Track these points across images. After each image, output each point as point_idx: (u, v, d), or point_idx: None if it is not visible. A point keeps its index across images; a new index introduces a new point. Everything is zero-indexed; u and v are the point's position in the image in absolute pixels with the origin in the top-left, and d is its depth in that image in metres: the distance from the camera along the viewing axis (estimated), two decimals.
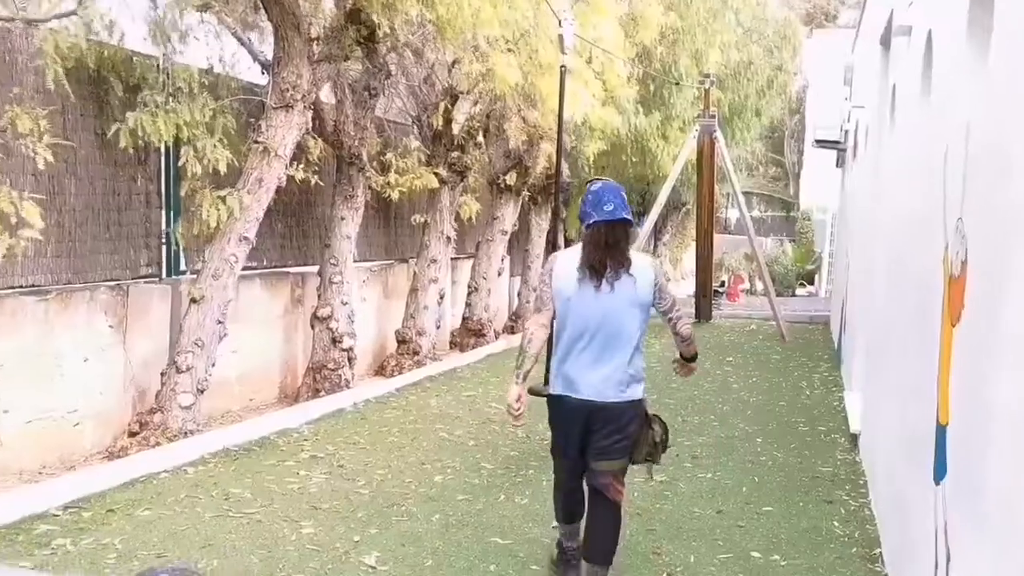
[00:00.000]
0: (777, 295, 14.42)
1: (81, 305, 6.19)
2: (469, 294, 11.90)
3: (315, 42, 6.80)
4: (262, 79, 7.75)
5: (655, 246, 22.18)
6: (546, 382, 4.54)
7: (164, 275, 7.10)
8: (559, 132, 6.94)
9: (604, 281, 3.82)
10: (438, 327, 10.57)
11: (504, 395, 7.91)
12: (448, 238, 10.35)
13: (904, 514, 3.94)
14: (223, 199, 6.28)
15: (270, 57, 7.20)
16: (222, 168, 6.29)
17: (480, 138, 10.74)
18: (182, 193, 6.60)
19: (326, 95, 8.41)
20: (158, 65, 6.43)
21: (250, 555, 4.33)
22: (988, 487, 2.44)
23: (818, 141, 14.76)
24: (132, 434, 6.18)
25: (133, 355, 6.65)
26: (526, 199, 12.74)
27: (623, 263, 3.84)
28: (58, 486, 5.18)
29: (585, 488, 4.03)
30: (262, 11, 7.00)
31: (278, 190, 7.12)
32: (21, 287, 5.82)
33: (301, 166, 7.28)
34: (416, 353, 9.84)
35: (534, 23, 8.72)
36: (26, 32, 5.58)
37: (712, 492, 5.55)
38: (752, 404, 8.26)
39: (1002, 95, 2.56)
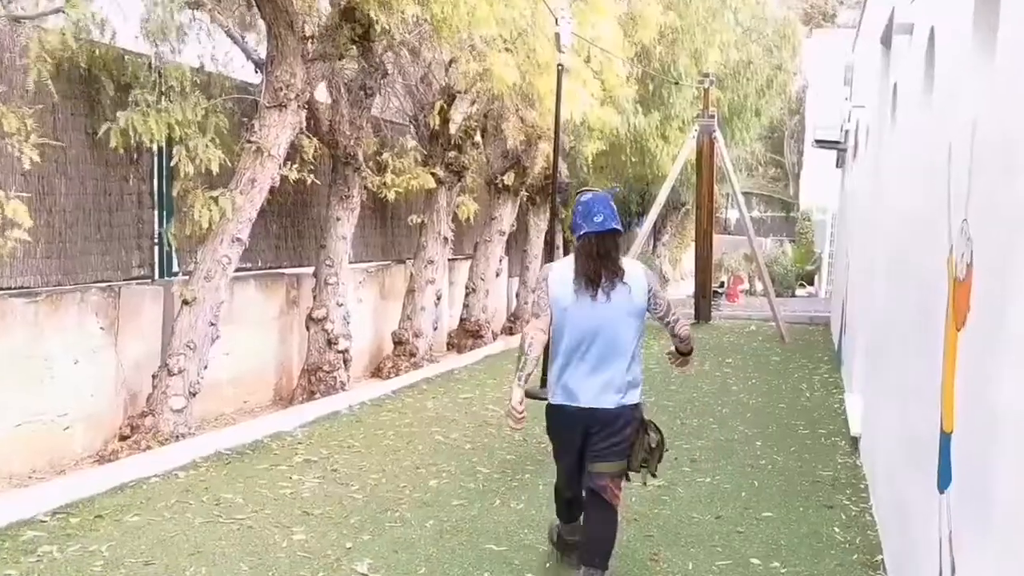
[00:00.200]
0: (777, 296, 14.33)
1: (72, 307, 6.11)
2: (467, 295, 11.83)
3: (309, 40, 6.72)
4: (256, 78, 7.67)
5: (654, 246, 22.10)
6: (543, 385, 4.54)
7: (157, 276, 7.03)
8: (556, 131, 6.87)
9: (600, 291, 3.89)
10: (435, 328, 10.49)
11: (502, 397, 7.96)
12: (445, 239, 10.27)
13: (906, 521, 3.86)
14: (215, 200, 6.20)
15: (264, 56, 7.12)
16: (214, 168, 6.21)
17: (478, 138, 10.67)
18: (174, 193, 6.51)
19: (322, 94, 8.33)
20: (149, 64, 6.35)
21: (239, 562, 4.25)
22: (995, 497, 2.36)
23: (818, 141, 14.67)
24: (123, 438, 6.11)
25: (125, 357, 6.57)
26: (524, 199, 12.67)
27: (616, 273, 3.91)
28: (46, 491, 5.11)
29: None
30: (256, 10, 6.91)
31: (273, 190, 7.05)
32: (10, 289, 5.74)
33: (295, 166, 7.21)
34: (413, 355, 9.76)
35: (531, 22, 8.65)
36: (12, 30, 5.50)
37: (711, 497, 5.47)
38: (751, 406, 8.18)
39: (1008, 92, 2.49)
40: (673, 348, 4.38)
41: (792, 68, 17.90)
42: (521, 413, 3.96)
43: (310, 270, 8.61)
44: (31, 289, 5.87)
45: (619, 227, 3.99)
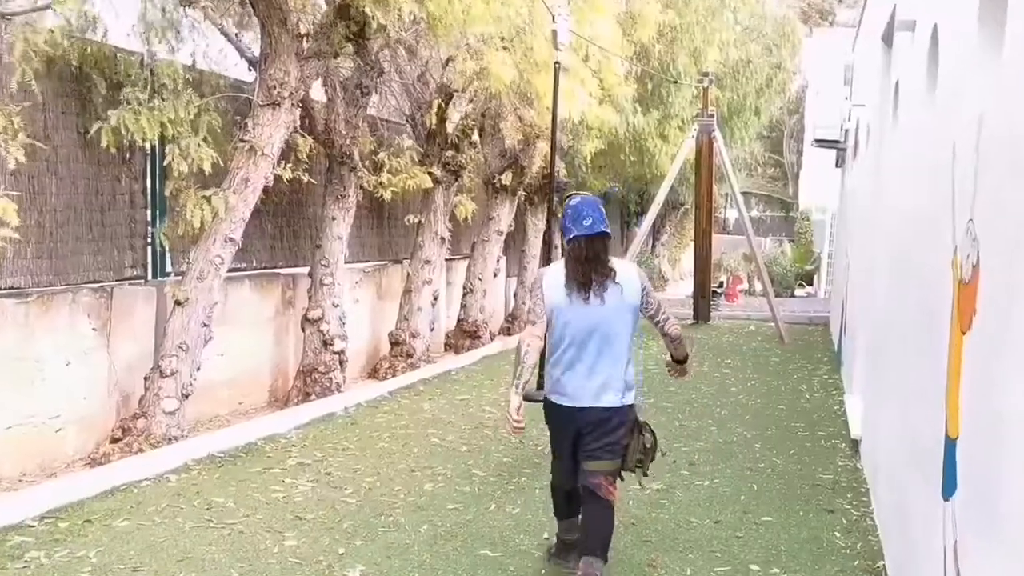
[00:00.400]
0: (776, 296, 14.26)
1: (63, 307, 6.03)
2: (464, 295, 11.76)
3: (304, 38, 6.64)
4: (250, 76, 7.59)
5: (653, 246, 22.05)
6: (539, 387, 4.52)
7: (150, 276, 6.95)
8: (553, 129, 6.79)
9: (592, 293, 3.96)
10: (432, 329, 10.42)
11: (498, 399, 7.90)
12: (442, 239, 10.19)
13: (908, 528, 3.78)
14: (208, 199, 6.11)
15: (257, 53, 7.04)
16: (207, 167, 6.13)
17: (475, 137, 10.59)
18: (166, 193, 6.43)
19: (318, 93, 8.26)
20: (141, 61, 6.27)
21: (229, 568, 4.17)
22: (1002, 505, 2.29)
23: (818, 140, 14.61)
24: (115, 440, 6.03)
25: (117, 359, 6.49)
26: (522, 199, 12.59)
27: (607, 274, 3.98)
28: (35, 495, 5.03)
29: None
30: (250, 7, 6.83)
31: (268, 190, 6.97)
32: (0, 289, 5.66)
33: (289, 165, 7.12)
34: (410, 355, 9.68)
35: (529, 20, 8.57)
36: (1, 27, 5.42)
37: (709, 501, 5.39)
38: (751, 408, 8.11)
39: (1016, 88, 2.42)
40: (669, 357, 4.42)
41: (792, 67, 17.83)
42: (519, 421, 4.00)
43: (306, 270, 8.53)
44: (22, 290, 5.79)
45: (608, 230, 4.05)
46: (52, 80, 5.90)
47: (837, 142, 13.45)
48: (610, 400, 3.98)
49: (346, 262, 8.79)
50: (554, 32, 6.86)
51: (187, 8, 6.48)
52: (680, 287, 21.85)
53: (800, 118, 27.03)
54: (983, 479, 2.51)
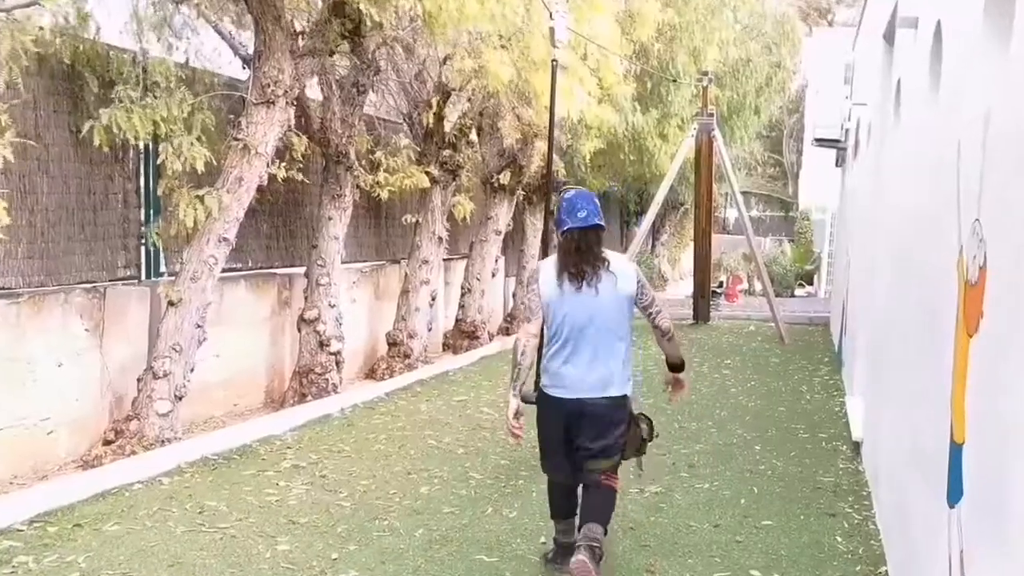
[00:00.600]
0: (776, 296, 14.18)
1: (55, 308, 5.96)
2: (462, 295, 11.69)
3: (299, 36, 6.57)
4: (244, 74, 7.51)
5: (653, 246, 21.98)
6: (536, 387, 4.47)
7: (144, 277, 6.88)
8: (551, 127, 6.72)
9: (585, 283, 3.98)
10: (430, 329, 10.35)
11: (496, 400, 7.84)
12: (440, 238, 10.13)
13: (911, 534, 3.71)
14: (201, 198, 6.04)
15: (252, 51, 6.96)
16: (199, 166, 6.05)
17: (473, 136, 10.53)
18: (159, 192, 6.36)
19: (314, 92, 8.19)
20: (133, 58, 6.20)
21: (220, 574, 4.10)
22: (1011, 513, 2.22)
23: (818, 140, 14.54)
24: (107, 442, 5.96)
25: (110, 360, 6.42)
26: (521, 199, 12.51)
27: (600, 264, 4.01)
28: (25, 498, 4.96)
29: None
30: (243, 5, 6.76)
31: (263, 189, 6.90)
32: None
33: (284, 164, 7.05)
34: (407, 356, 9.62)
35: (526, 19, 8.49)
36: None
37: (709, 504, 5.32)
38: (751, 409, 8.04)
39: None
40: (667, 367, 4.40)
41: (791, 66, 17.75)
42: (519, 426, 4.08)
43: (302, 270, 8.46)
44: (12, 290, 5.72)
45: (602, 223, 4.08)
46: (43, 78, 5.83)
47: (837, 141, 13.38)
48: (608, 391, 4.00)
49: (343, 262, 8.72)
50: (552, 30, 6.78)
51: (180, 5, 6.40)
52: (680, 287, 21.77)
53: (800, 117, 26.95)
54: (990, 486, 2.44)
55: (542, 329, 4.17)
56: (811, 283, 22.33)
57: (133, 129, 5.72)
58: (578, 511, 4.19)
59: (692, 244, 15.49)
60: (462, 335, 11.47)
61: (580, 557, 3.83)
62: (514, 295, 13.46)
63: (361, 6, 6.22)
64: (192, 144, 5.91)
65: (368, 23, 6.50)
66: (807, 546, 4.68)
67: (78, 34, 6.00)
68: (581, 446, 4.04)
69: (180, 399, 6.24)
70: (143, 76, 6.07)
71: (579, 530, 4.01)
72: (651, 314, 4.15)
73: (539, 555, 4.42)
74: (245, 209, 6.53)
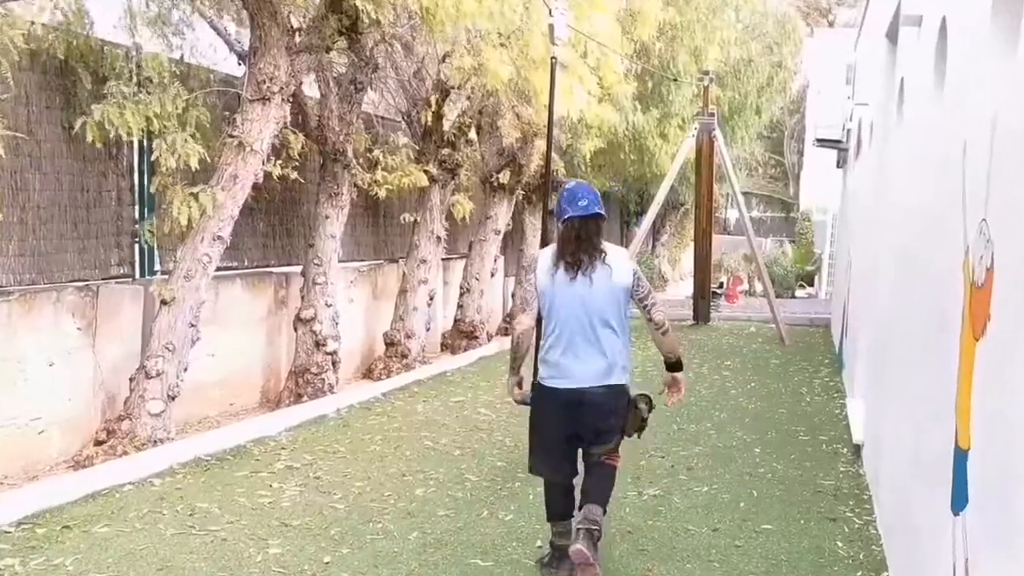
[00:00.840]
0: (776, 297, 14.10)
1: (46, 306, 5.88)
2: (461, 295, 11.61)
3: (295, 32, 6.49)
4: (240, 70, 7.44)
5: (653, 246, 21.90)
6: (534, 388, 4.41)
7: (138, 275, 6.81)
8: (549, 125, 6.65)
9: (581, 273, 4.00)
10: (428, 329, 10.28)
11: (494, 401, 7.78)
12: (438, 238, 10.05)
13: (914, 540, 3.64)
14: (195, 196, 5.96)
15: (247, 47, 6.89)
16: (193, 163, 5.98)
17: (472, 135, 10.45)
18: (152, 189, 6.29)
19: (311, 89, 8.12)
20: (126, 53, 6.12)
21: None
22: (1018, 522, 2.15)
23: (819, 140, 14.48)
24: (98, 443, 5.89)
25: (103, 359, 6.34)
26: (520, 198, 12.44)
27: (597, 255, 4.03)
28: (14, 499, 4.88)
29: (578, 478, 4.22)
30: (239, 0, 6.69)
31: (260, 187, 6.83)
32: None
33: (280, 162, 6.98)
34: (405, 356, 9.54)
35: (525, 17, 8.41)
36: None
37: (708, 507, 5.25)
38: (751, 411, 7.96)
39: None
40: (665, 372, 4.36)
41: (793, 66, 17.67)
42: (521, 394, 4.24)
43: (299, 269, 8.39)
44: (3, 288, 5.65)
45: (602, 212, 4.11)
46: (36, 73, 5.76)
47: (839, 142, 13.32)
48: (606, 380, 4.02)
49: (341, 261, 8.65)
50: (551, 26, 6.71)
51: (176, 0, 6.33)
52: (680, 287, 21.69)
53: (801, 118, 26.89)
54: (997, 494, 2.37)
55: (540, 319, 4.20)
56: (812, 284, 22.26)
57: (125, 125, 5.64)
58: (576, 509, 4.17)
59: (692, 244, 15.41)
60: (461, 335, 11.39)
61: (578, 547, 3.86)
62: (513, 295, 13.38)
63: (358, 2, 6.15)
64: (186, 141, 5.83)
65: (365, 19, 6.42)
66: (807, 551, 4.60)
67: (71, 29, 5.93)
68: (582, 435, 4.09)
69: (173, 399, 6.17)
70: (137, 72, 6.00)
71: (580, 509, 4.07)
72: (646, 307, 4.15)
73: (535, 559, 4.35)
74: (240, 207, 6.45)
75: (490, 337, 11.86)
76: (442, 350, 11.36)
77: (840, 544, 4.72)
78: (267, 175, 6.83)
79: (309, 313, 8.02)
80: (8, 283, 5.69)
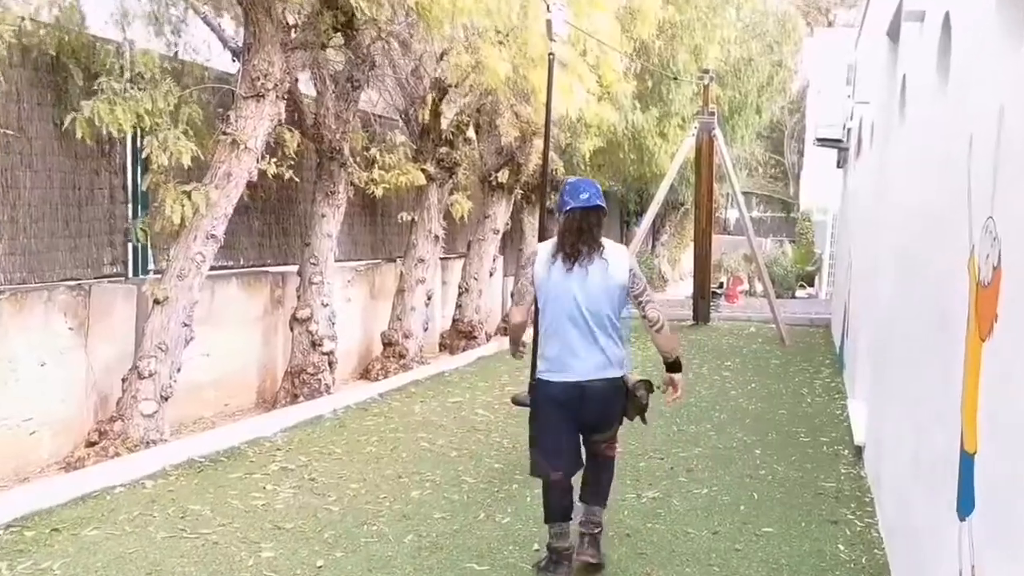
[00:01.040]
0: (777, 297, 14.03)
1: (37, 306, 5.81)
2: (459, 295, 11.54)
3: (290, 29, 6.41)
4: (235, 67, 7.36)
5: (653, 246, 21.83)
6: (530, 391, 4.38)
7: (131, 274, 6.74)
8: (547, 123, 6.57)
9: (577, 265, 4.03)
10: (426, 329, 10.20)
11: (492, 401, 7.74)
12: (436, 237, 9.98)
13: (918, 545, 3.57)
14: (188, 194, 5.89)
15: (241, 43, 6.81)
16: (186, 161, 5.90)
17: (470, 133, 10.38)
18: (144, 187, 6.22)
19: (307, 87, 8.04)
20: (117, 49, 6.05)
21: None
22: None
23: (819, 140, 14.39)
24: (90, 444, 5.81)
25: (95, 359, 6.28)
26: (519, 197, 12.37)
27: (595, 248, 4.06)
28: (3, 501, 4.81)
29: (576, 477, 4.25)
30: None
31: (256, 185, 6.76)
32: None
33: (275, 160, 6.90)
34: (402, 356, 9.47)
35: (522, 15, 8.33)
36: None
37: (708, 510, 5.17)
38: (751, 412, 7.89)
39: None
40: (664, 372, 4.33)
41: (793, 65, 17.60)
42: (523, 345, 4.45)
43: (295, 268, 8.32)
44: None
45: (603, 205, 4.15)
46: (27, 69, 5.69)
47: (839, 141, 13.23)
48: (605, 373, 4.05)
49: (338, 260, 8.59)
50: (548, 22, 6.63)
51: None
52: (680, 287, 21.61)
53: (801, 118, 26.80)
54: (1005, 498, 2.30)
55: (536, 312, 4.26)
56: (812, 284, 22.18)
57: (116, 122, 5.56)
58: (575, 509, 4.23)
59: (692, 244, 15.33)
60: (459, 335, 11.32)
61: (585, 558, 4.09)
62: (512, 295, 13.29)
63: None
64: (178, 138, 5.76)
65: (360, 16, 6.34)
66: (808, 554, 4.53)
67: (63, 24, 5.86)
68: (583, 425, 4.14)
69: (166, 399, 6.10)
70: (129, 68, 5.92)
71: (580, 500, 4.20)
72: (641, 303, 4.16)
73: (531, 563, 4.28)
74: (234, 205, 6.38)
75: (489, 337, 11.79)
76: (440, 350, 11.29)
77: (842, 547, 4.64)
78: (262, 173, 6.76)
79: (305, 313, 7.95)
80: None
